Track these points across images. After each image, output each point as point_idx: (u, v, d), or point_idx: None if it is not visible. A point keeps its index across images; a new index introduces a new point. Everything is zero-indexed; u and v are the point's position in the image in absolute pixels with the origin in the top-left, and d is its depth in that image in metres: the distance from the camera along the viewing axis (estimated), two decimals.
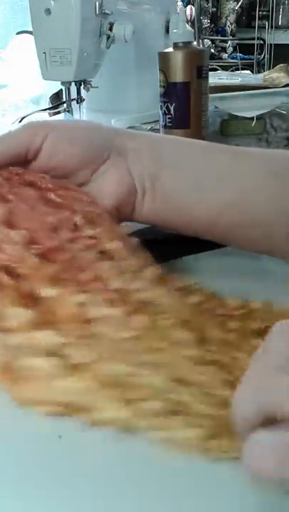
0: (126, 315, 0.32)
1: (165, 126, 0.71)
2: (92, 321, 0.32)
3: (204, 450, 0.27)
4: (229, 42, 2.90)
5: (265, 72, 1.15)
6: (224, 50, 2.88)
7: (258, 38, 2.78)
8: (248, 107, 0.80)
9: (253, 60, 2.74)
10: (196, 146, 0.46)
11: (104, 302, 0.33)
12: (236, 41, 2.89)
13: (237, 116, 0.79)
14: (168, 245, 0.50)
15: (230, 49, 2.88)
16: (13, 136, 0.44)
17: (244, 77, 1.16)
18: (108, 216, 0.41)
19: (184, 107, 0.69)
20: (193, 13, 2.14)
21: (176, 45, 0.69)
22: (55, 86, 0.97)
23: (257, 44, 2.78)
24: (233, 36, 2.93)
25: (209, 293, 0.39)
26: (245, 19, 3.05)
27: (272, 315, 0.37)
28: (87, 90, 0.81)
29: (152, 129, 0.82)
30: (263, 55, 2.78)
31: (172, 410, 0.28)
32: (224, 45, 2.90)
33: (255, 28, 2.82)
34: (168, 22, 0.90)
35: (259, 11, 2.82)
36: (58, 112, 0.91)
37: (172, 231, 0.47)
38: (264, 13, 2.85)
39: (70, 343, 0.31)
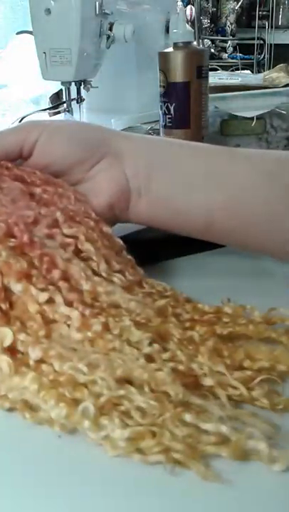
0: (89, 316, 0.33)
1: (165, 126, 0.71)
2: (52, 321, 0.33)
3: (139, 450, 0.27)
4: (229, 42, 2.90)
5: (265, 72, 1.15)
6: (224, 50, 2.88)
7: (258, 38, 2.78)
8: (248, 107, 0.80)
9: (253, 60, 2.74)
10: (188, 148, 0.47)
11: (68, 302, 0.34)
12: (236, 41, 2.89)
13: (237, 116, 0.79)
14: (167, 245, 0.50)
15: (230, 49, 2.88)
16: (7, 133, 0.45)
17: (244, 77, 1.16)
18: (95, 216, 0.41)
19: (184, 107, 0.69)
20: (193, 13, 2.13)
21: (176, 45, 0.69)
22: (55, 86, 0.97)
23: (257, 44, 2.77)
24: (233, 36, 2.93)
25: (182, 297, 0.39)
26: (245, 19, 3.05)
27: (240, 320, 0.37)
28: (87, 90, 0.81)
29: (152, 129, 0.82)
30: (263, 55, 2.77)
31: (113, 409, 0.29)
32: (224, 45, 2.90)
33: (255, 28, 2.82)
34: (168, 22, 0.90)
35: (259, 11, 2.82)
36: (58, 112, 0.91)
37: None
38: (264, 13, 2.85)
39: (26, 341, 0.32)
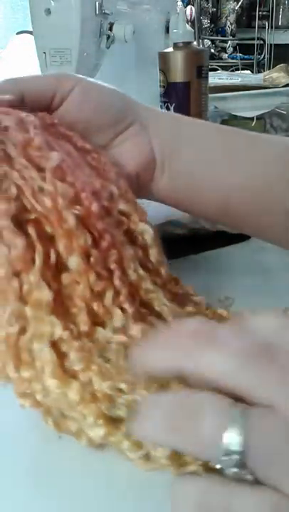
0: (131, 318, 0.29)
1: None
2: (95, 315, 0.29)
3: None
4: (229, 42, 2.89)
5: (265, 72, 1.15)
6: (224, 50, 2.88)
7: (258, 38, 2.78)
8: (248, 107, 0.80)
9: (253, 60, 2.74)
10: (212, 126, 0.46)
11: (116, 298, 0.29)
12: (236, 41, 2.89)
13: (237, 116, 0.79)
14: (193, 240, 0.49)
15: (230, 49, 2.87)
16: (39, 77, 0.41)
17: (244, 77, 1.16)
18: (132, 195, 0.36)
19: (184, 107, 0.69)
20: (193, 13, 2.13)
21: (176, 45, 0.69)
22: None
23: (257, 44, 2.77)
24: (233, 36, 2.93)
25: (203, 303, 0.36)
26: (245, 19, 3.05)
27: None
28: None
29: None
30: (263, 55, 2.77)
31: None
32: (224, 45, 2.90)
33: (255, 28, 2.81)
34: (168, 22, 0.89)
35: (259, 11, 2.82)
36: None
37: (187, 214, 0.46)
38: (264, 13, 2.84)
39: (68, 341, 0.28)
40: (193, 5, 2.39)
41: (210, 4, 2.90)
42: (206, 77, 0.70)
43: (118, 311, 0.29)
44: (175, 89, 0.69)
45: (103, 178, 0.34)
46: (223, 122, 0.80)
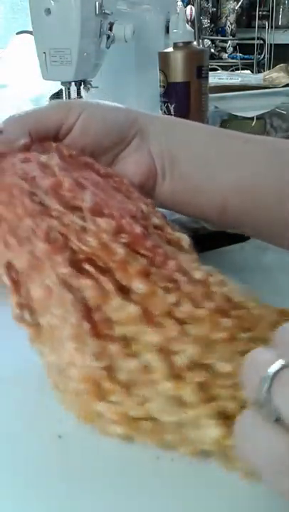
0: (214, 313, 0.29)
1: None
2: (182, 322, 0.29)
3: None
4: (229, 42, 2.89)
5: (265, 72, 1.15)
6: (224, 50, 2.88)
7: (258, 38, 2.78)
8: (248, 107, 0.80)
9: (253, 60, 2.74)
10: (204, 129, 0.47)
11: (192, 300, 0.30)
12: (236, 41, 2.89)
13: (237, 116, 0.79)
14: (193, 240, 0.49)
15: (230, 49, 2.88)
16: (47, 110, 0.43)
17: (244, 77, 1.16)
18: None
19: (184, 107, 0.69)
20: (193, 13, 2.13)
21: (176, 45, 0.69)
22: (55, 86, 0.97)
23: (257, 44, 2.77)
24: (233, 36, 2.93)
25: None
26: (245, 19, 3.05)
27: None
28: (87, 90, 0.81)
29: None
30: (263, 55, 2.77)
31: None
32: (224, 45, 2.90)
33: (255, 28, 2.82)
34: (168, 22, 0.89)
35: (259, 11, 2.82)
36: None
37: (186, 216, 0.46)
38: (264, 13, 2.84)
39: (170, 343, 0.28)
40: (193, 5, 2.39)
41: (210, 4, 2.90)
42: (206, 77, 0.70)
43: (201, 311, 0.29)
44: (175, 89, 0.69)
45: (132, 199, 0.36)
46: (223, 122, 0.80)
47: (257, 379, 0.20)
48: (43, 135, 0.40)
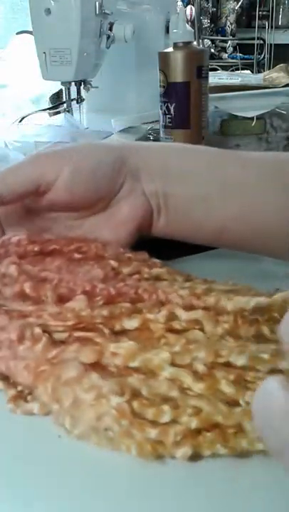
0: (211, 316, 0.32)
1: (165, 126, 0.71)
2: (184, 331, 0.31)
3: None
4: (229, 42, 2.89)
5: (265, 72, 1.15)
6: (224, 50, 2.88)
7: (258, 38, 2.78)
8: (248, 107, 0.80)
9: (253, 60, 2.74)
10: (203, 157, 0.46)
11: (184, 308, 0.32)
12: (236, 41, 2.89)
13: (237, 116, 0.79)
14: (166, 246, 0.50)
15: (230, 49, 2.88)
16: (23, 168, 0.41)
17: (244, 77, 1.16)
18: (126, 249, 0.41)
19: (184, 107, 0.69)
20: (193, 13, 2.13)
21: (176, 45, 0.69)
22: (55, 86, 0.97)
23: (257, 44, 2.77)
24: (233, 36, 2.93)
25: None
26: (245, 19, 3.05)
27: None
28: (87, 90, 0.81)
29: (152, 129, 0.82)
30: (263, 55, 2.77)
31: None
32: (224, 45, 2.90)
33: (255, 28, 2.82)
34: (168, 22, 0.90)
35: (259, 11, 2.82)
36: (58, 112, 0.91)
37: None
38: (264, 13, 2.85)
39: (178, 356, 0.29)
40: (193, 5, 2.40)
41: (210, 4, 2.90)
42: (206, 77, 0.70)
43: (199, 312, 0.32)
44: (175, 89, 0.69)
45: (101, 262, 0.38)
46: (223, 122, 0.80)
47: None
48: (21, 194, 0.40)
